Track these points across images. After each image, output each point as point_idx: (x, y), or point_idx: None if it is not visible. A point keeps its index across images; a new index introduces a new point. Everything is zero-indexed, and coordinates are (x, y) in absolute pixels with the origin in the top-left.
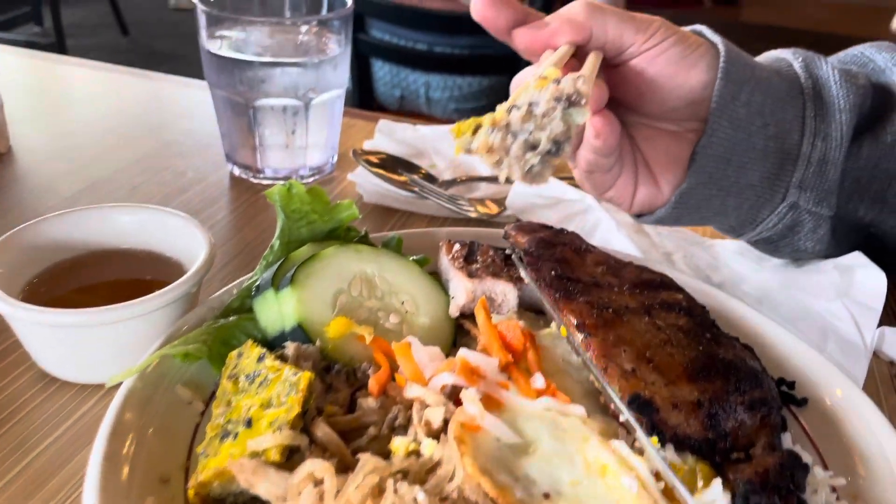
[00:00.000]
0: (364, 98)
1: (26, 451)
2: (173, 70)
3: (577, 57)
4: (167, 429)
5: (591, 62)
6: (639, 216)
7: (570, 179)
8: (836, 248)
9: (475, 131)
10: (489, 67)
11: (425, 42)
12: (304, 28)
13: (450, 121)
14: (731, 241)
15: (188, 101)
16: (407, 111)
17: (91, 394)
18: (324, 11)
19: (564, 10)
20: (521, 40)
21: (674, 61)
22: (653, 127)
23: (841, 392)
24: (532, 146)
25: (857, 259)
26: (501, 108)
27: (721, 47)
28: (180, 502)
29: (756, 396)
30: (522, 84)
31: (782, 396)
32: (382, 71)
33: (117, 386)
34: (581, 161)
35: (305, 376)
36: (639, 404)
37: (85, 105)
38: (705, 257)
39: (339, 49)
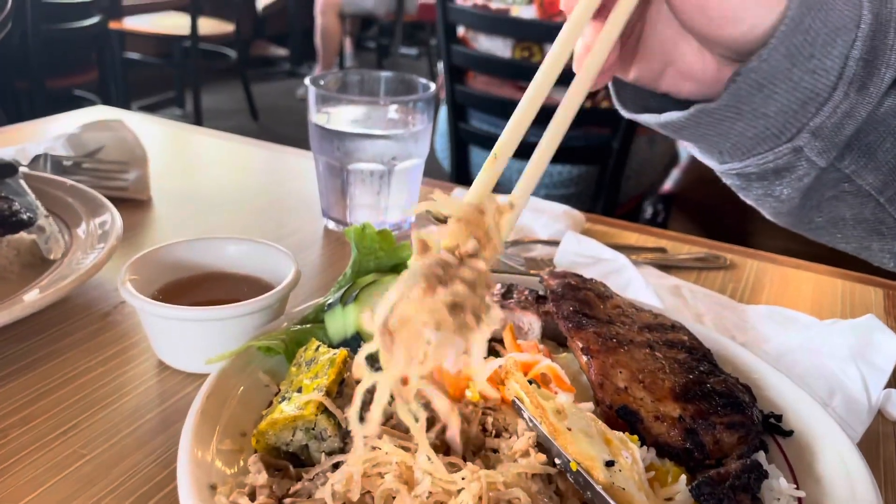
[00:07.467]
0: (461, 181)
1: (138, 416)
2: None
3: None
4: (248, 401)
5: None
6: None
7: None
8: (803, 197)
9: None
10: (578, 158)
11: None
12: (393, 107)
13: None
14: (763, 306)
15: (297, 167)
16: (501, 194)
17: (194, 380)
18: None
19: None
20: None
21: None
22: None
23: (823, 428)
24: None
25: (872, 322)
26: None
27: None
28: (250, 448)
29: (736, 420)
30: None
31: (770, 427)
32: (479, 157)
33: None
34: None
35: (342, 353)
36: (625, 413)
37: (212, 166)
38: (734, 319)
39: (421, 126)
